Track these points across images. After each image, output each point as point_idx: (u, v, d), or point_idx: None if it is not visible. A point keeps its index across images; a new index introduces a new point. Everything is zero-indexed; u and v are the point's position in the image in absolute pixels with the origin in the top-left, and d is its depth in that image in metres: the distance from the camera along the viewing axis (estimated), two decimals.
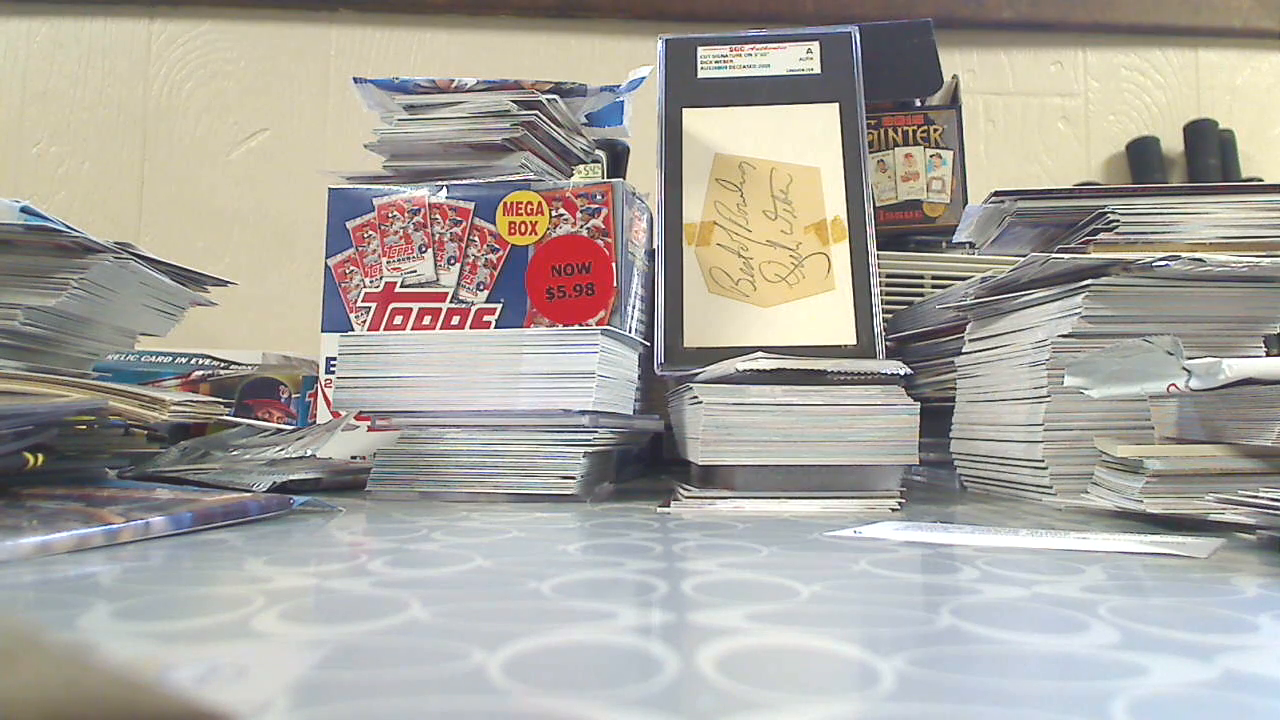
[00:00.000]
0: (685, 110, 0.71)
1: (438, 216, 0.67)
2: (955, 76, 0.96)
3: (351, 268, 0.69)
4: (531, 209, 0.66)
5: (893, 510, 0.50)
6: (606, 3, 1.35)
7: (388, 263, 0.68)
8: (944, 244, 0.92)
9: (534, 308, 0.66)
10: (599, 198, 0.66)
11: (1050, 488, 0.53)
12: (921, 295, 0.79)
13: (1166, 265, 0.50)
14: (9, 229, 0.51)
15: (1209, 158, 1.34)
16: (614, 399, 0.58)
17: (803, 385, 0.53)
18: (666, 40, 0.73)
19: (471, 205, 0.67)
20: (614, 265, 0.65)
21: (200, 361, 0.98)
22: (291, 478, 0.54)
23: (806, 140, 0.69)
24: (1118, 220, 0.56)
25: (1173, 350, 0.43)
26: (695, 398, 0.53)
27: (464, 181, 0.68)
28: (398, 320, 0.67)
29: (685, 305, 0.66)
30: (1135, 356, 0.45)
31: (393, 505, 0.51)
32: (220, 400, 0.63)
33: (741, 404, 0.52)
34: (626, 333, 0.62)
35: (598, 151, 0.88)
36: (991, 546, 0.37)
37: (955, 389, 0.66)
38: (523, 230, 0.66)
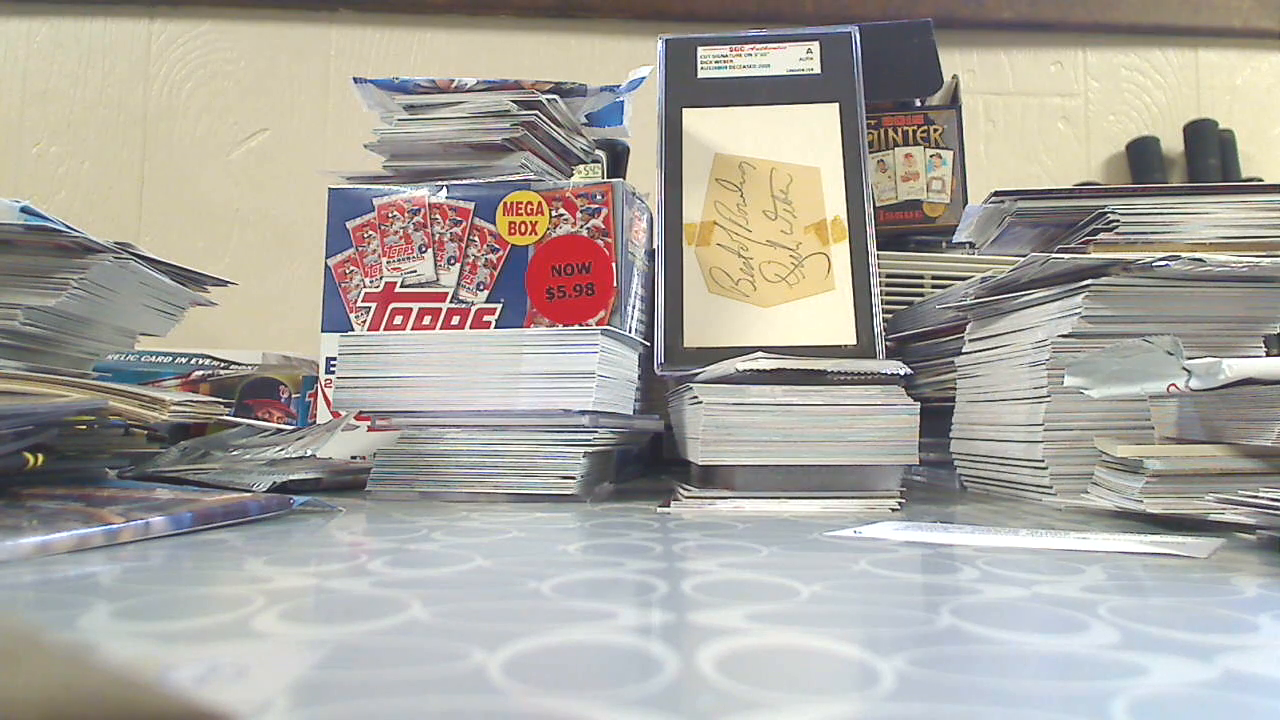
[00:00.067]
0: (685, 110, 0.71)
1: (438, 216, 0.67)
2: (955, 76, 0.96)
3: (351, 268, 0.69)
4: (531, 209, 0.66)
5: (893, 510, 0.50)
6: (606, 3, 1.35)
7: (388, 263, 0.68)
8: (944, 244, 0.92)
9: (534, 308, 0.66)
10: (599, 198, 0.66)
11: (1050, 488, 0.53)
12: (921, 295, 0.79)
13: (1166, 265, 0.50)
14: (9, 229, 0.51)
15: (1209, 158, 1.34)
16: (614, 399, 0.58)
17: (803, 385, 0.53)
18: (666, 40, 0.73)
19: (471, 205, 0.67)
20: (614, 265, 0.65)
21: (200, 361, 0.98)
22: (291, 478, 0.54)
23: (806, 140, 0.69)
24: (1118, 220, 0.56)
25: (1173, 350, 0.43)
26: (695, 398, 0.53)
27: (464, 181, 0.68)
28: (398, 320, 0.67)
29: (685, 305, 0.66)
30: (1135, 356, 0.45)
31: (393, 505, 0.51)
32: (220, 400, 0.63)
33: (741, 404, 0.52)
34: (626, 333, 0.62)
35: (598, 151, 0.88)
36: (991, 546, 0.37)
37: (955, 389, 0.66)
38: (523, 230, 0.66)
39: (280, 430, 0.71)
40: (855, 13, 1.30)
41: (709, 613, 0.24)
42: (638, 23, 1.36)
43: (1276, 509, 0.35)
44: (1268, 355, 0.54)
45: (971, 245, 0.68)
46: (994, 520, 0.46)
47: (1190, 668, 0.20)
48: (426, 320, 0.67)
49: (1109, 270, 0.52)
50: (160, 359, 0.96)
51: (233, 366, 0.97)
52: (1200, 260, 0.50)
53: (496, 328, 0.65)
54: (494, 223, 0.67)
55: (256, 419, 0.85)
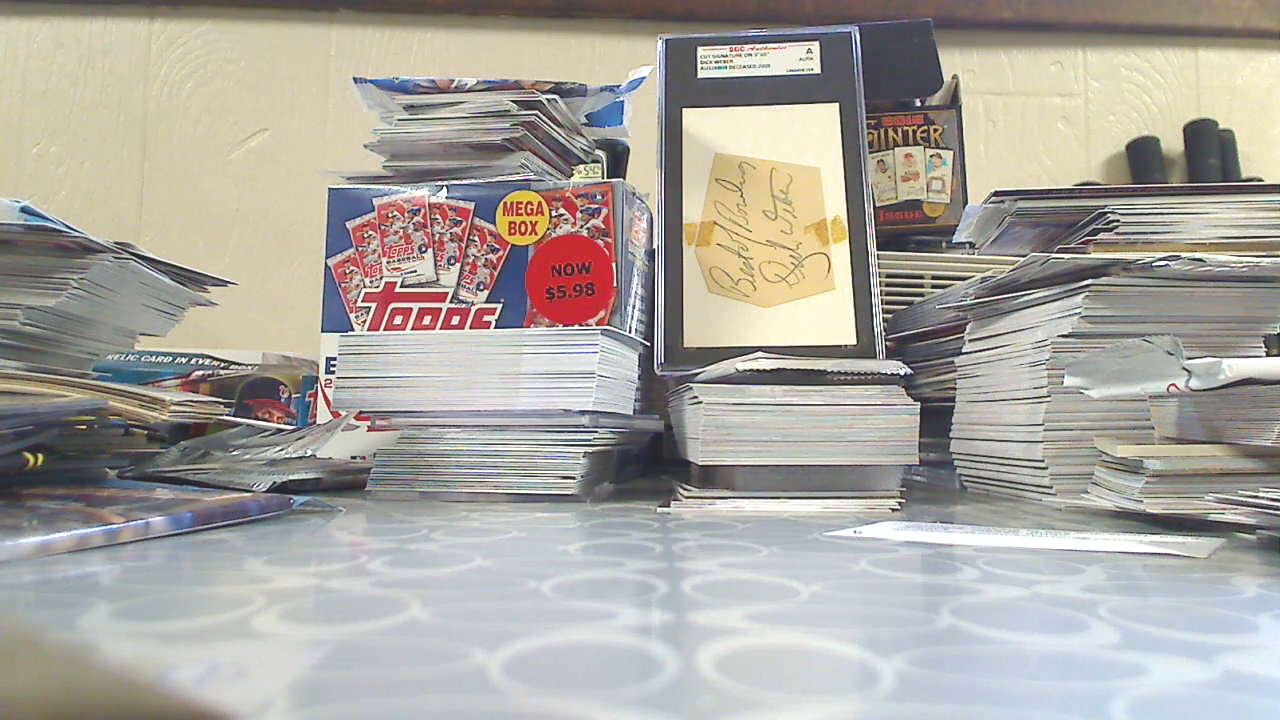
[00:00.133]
0: (685, 110, 0.71)
1: (438, 216, 0.67)
2: (955, 76, 0.96)
3: (351, 268, 0.69)
4: (531, 209, 0.66)
5: (893, 510, 0.50)
6: (606, 3, 1.35)
7: (388, 263, 0.68)
8: (944, 244, 0.92)
9: (534, 308, 0.66)
10: (599, 198, 0.66)
11: (1050, 488, 0.53)
12: (921, 295, 0.79)
13: (1166, 265, 0.50)
14: (9, 229, 0.51)
15: (1209, 158, 1.34)
16: (614, 399, 0.58)
17: (803, 385, 0.53)
18: (666, 40, 0.73)
19: (471, 205, 0.67)
20: (614, 265, 0.65)
21: (200, 361, 0.98)
22: (291, 478, 0.54)
23: (806, 140, 0.69)
24: (1118, 220, 0.56)
25: (1173, 350, 0.43)
26: (695, 398, 0.53)
27: (464, 181, 0.68)
28: (398, 320, 0.67)
29: (685, 305, 0.66)
30: (1135, 356, 0.45)
31: (393, 505, 0.51)
32: (220, 400, 0.63)
33: (741, 404, 0.52)
34: (626, 333, 0.62)
35: (598, 151, 0.88)
36: (991, 546, 0.37)
37: (955, 389, 0.66)
38: (523, 230, 0.66)
39: (280, 430, 0.71)
40: (855, 13, 1.30)
41: (709, 613, 0.24)
42: (638, 23, 1.36)
43: (1276, 509, 0.35)
44: (1268, 355, 0.54)
45: (971, 245, 0.68)
46: (994, 520, 0.46)
47: (1190, 668, 0.20)
48: (426, 320, 0.67)
49: (1109, 270, 0.52)
50: (160, 359, 0.96)
51: (233, 366, 0.97)
52: (1200, 260, 0.50)
53: (496, 328, 0.65)
54: (494, 223, 0.67)
55: (256, 419, 0.85)
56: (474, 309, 0.66)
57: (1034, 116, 1.39)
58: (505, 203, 0.67)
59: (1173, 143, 1.38)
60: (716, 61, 0.72)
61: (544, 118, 0.69)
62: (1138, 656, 0.20)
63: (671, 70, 0.72)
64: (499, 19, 1.36)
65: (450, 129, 0.68)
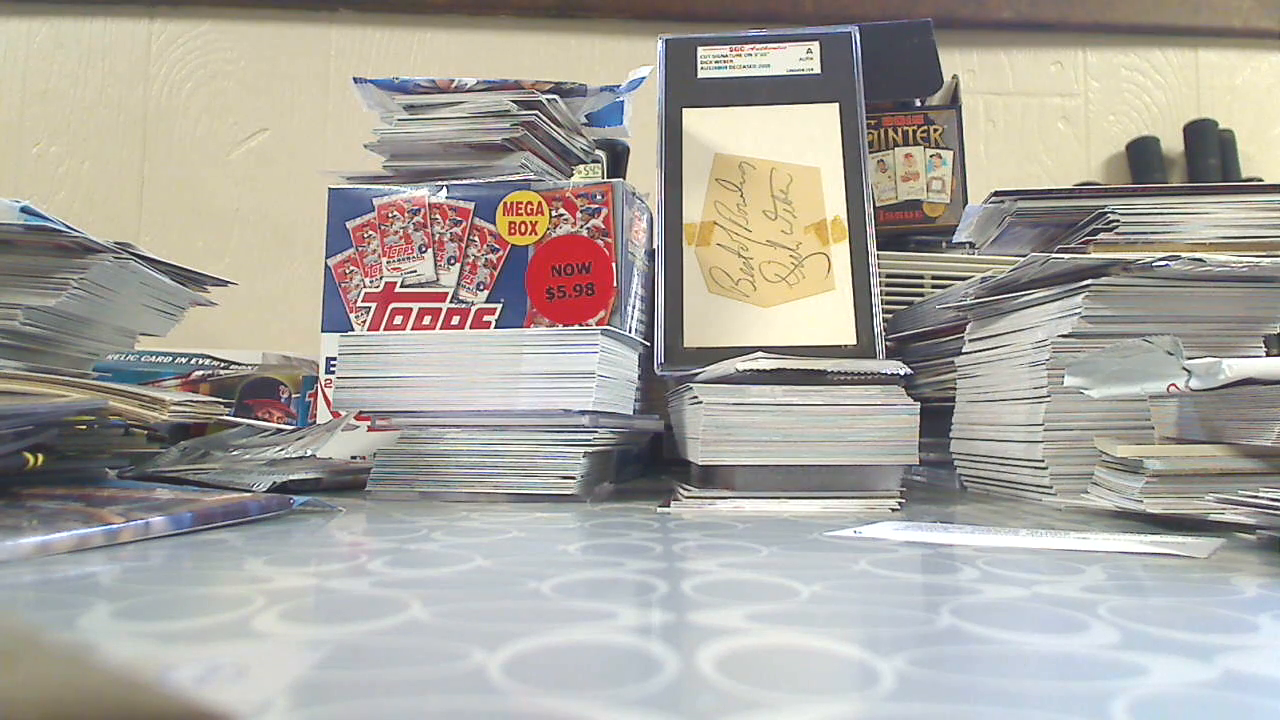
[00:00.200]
0: (685, 110, 0.71)
1: (438, 216, 0.67)
2: (955, 76, 0.96)
3: (351, 268, 0.69)
4: (531, 209, 0.66)
5: (893, 510, 0.50)
6: (606, 3, 1.35)
7: (388, 263, 0.68)
8: (944, 244, 0.92)
9: (534, 308, 0.66)
10: (599, 198, 0.66)
11: (1050, 488, 0.53)
12: (921, 295, 0.79)
13: (1166, 265, 0.50)
14: (9, 229, 0.51)
15: (1209, 158, 1.34)
16: (614, 399, 0.58)
17: (803, 385, 0.53)
18: (666, 40, 0.73)
19: (471, 205, 0.67)
20: (614, 265, 0.65)
21: (200, 361, 0.98)
22: (291, 478, 0.54)
23: (806, 140, 0.69)
24: (1118, 220, 0.56)
25: (1173, 350, 0.43)
26: (695, 398, 0.53)
27: (464, 181, 0.68)
28: (398, 320, 0.67)
29: (685, 305, 0.66)
30: (1135, 356, 0.45)
31: (393, 505, 0.51)
32: (220, 400, 0.63)
33: (741, 404, 0.52)
34: (626, 333, 0.62)
35: (598, 151, 0.88)
36: (991, 546, 0.37)
37: (955, 389, 0.66)
38: (523, 230, 0.66)
39: (280, 430, 0.71)
40: (855, 13, 1.30)
41: (709, 613, 0.24)
42: (638, 23, 1.36)
43: (1276, 509, 0.35)
44: (1268, 355, 0.54)
45: (971, 245, 0.68)
46: (994, 520, 0.46)
47: (1190, 668, 0.20)
48: (426, 320, 0.67)
49: (1109, 270, 0.52)
50: (160, 359, 0.96)
51: (233, 366, 0.97)
52: (1200, 260, 0.50)
53: (496, 328, 0.65)
54: (494, 223, 0.67)
55: (256, 419, 0.85)
56: (474, 309, 0.66)
57: (1034, 116, 1.39)
58: (505, 203, 0.67)
59: (1173, 143, 1.38)
60: (716, 61, 0.72)
61: (544, 118, 0.69)
62: (1138, 656, 0.20)
63: (671, 70, 0.72)
64: (499, 19, 1.36)
65: (450, 129, 0.68)
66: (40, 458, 0.43)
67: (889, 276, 0.79)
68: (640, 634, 0.22)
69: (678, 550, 0.35)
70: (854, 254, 0.66)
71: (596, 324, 0.64)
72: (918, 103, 0.94)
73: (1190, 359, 0.42)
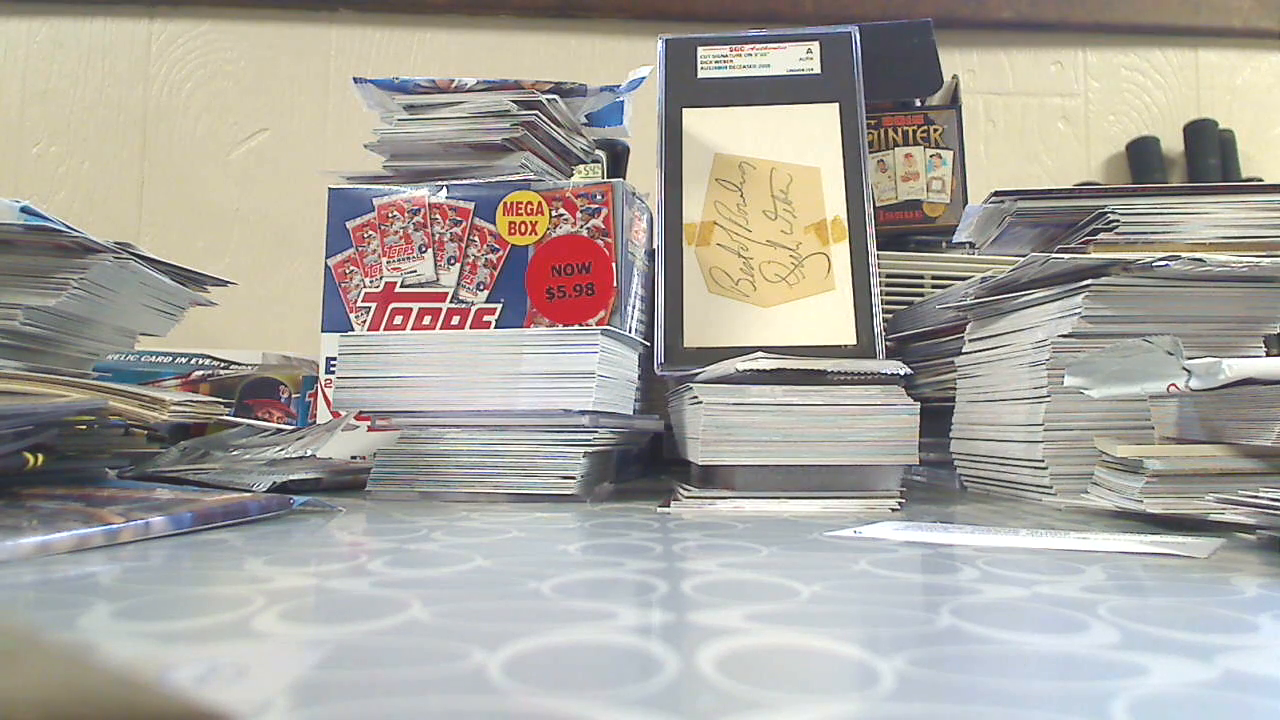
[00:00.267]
0: (685, 110, 0.71)
1: (438, 216, 0.67)
2: (955, 76, 0.96)
3: (351, 268, 0.69)
4: (531, 209, 0.66)
5: (893, 510, 0.50)
6: (606, 3, 1.35)
7: (388, 263, 0.68)
8: (944, 244, 0.92)
9: (534, 308, 0.66)
10: (599, 198, 0.66)
11: (1050, 488, 0.53)
12: (921, 295, 0.79)
13: (1166, 265, 0.50)
14: (9, 229, 0.51)
15: (1209, 158, 1.34)
16: (614, 399, 0.58)
17: (803, 385, 0.53)
18: (666, 40, 0.73)
19: (471, 205, 0.67)
20: (614, 265, 0.65)
21: (200, 361, 0.98)
22: (291, 478, 0.54)
23: (806, 140, 0.69)
24: (1118, 220, 0.56)
25: (1173, 350, 0.43)
26: (695, 398, 0.53)
27: (464, 181, 0.68)
28: (398, 320, 0.67)
29: (685, 305, 0.66)
30: (1135, 356, 0.45)
31: (393, 505, 0.51)
32: (220, 400, 0.63)
33: (741, 404, 0.52)
34: (626, 333, 0.62)
35: (598, 151, 0.88)
36: (991, 546, 0.37)
37: (955, 389, 0.66)
38: (523, 230, 0.66)
39: (280, 430, 0.71)
40: (855, 13, 1.30)
41: (709, 613, 0.24)
42: (638, 23, 1.36)
43: (1276, 509, 0.35)
44: (1268, 355, 0.54)
45: (971, 245, 0.68)
46: (994, 520, 0.46)
47: (1190, 668, 0.20)
48: (426, 320, 0.67)
49: (1109, 270, 0.52)
50: (160, 359, 0.96)
51: (233, 366, 0.97)
52: (1200, 260, 0.50)
53: (496, 328, 0.65)
54: (494, 223, 0.67)
55: (256, 419, 0.85)
56: (474, 309, 0.66)
57: (1034, 116, 1.39)
58: (505, 203, 0.67)
59: (1173, 143, 1.38)
60: (716, 61, 0.72)
61: (544, 118, 0.69)
62: (1138, 656, 0.20)
63: (671, 70, 0.72)
64: (499, 19, 1.36)
65: (450, 129, 0.68)
66: (40, 458, 0.43)
67: (889, 276, 0.79)
68: (640, 634, 0.22)
69: (678, 550, 0.35)
70: (854, 254, 0.66)
71: (596, 324, 0.64)
72: (918, 103, 0.94)
73: (1190, 359, 0.42)
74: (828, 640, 0.22)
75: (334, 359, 0.62)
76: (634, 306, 0.68)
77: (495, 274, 0.66)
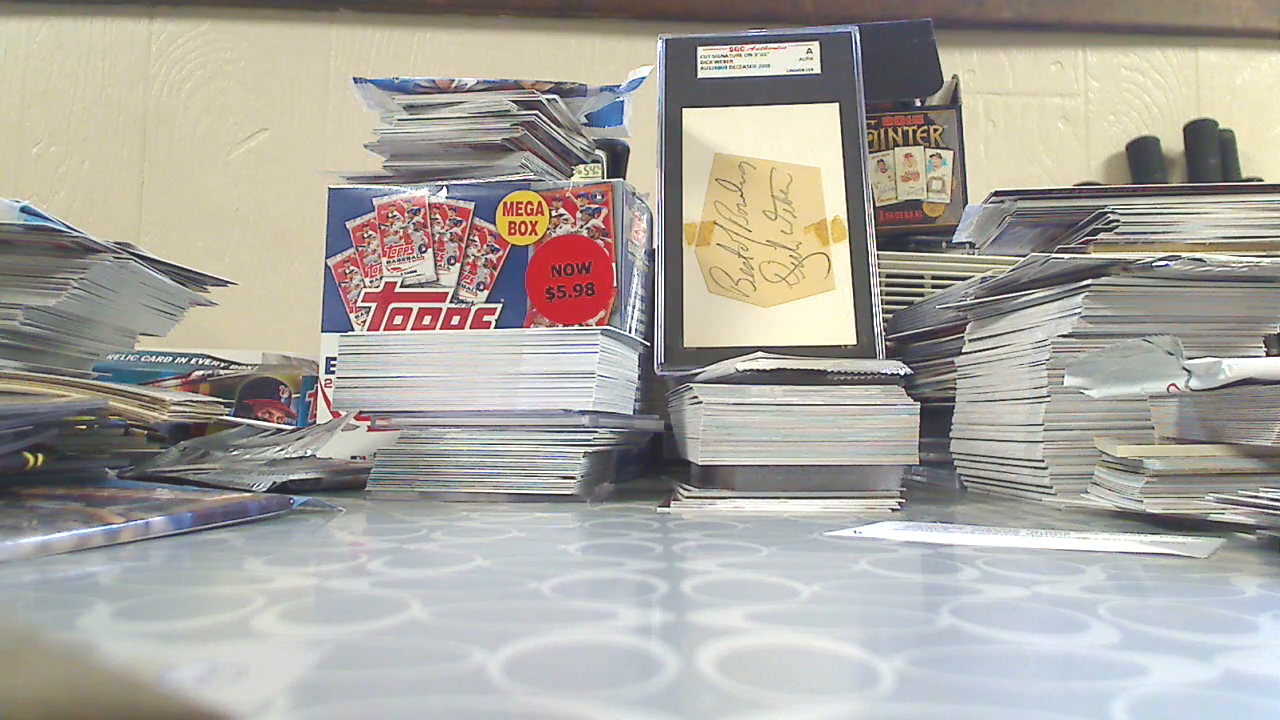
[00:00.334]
0: (685, 110, 0.71)
1: (438, 216, 0.67)
2: (955, 76, 0.96)
3: (351, 268, 0.69)
4: (531, 209, 0.66)
5: (893, 510, 0.50)
6: (606, 3, 1.35)
7: (388, 263, 0.68)
8: (944, 244, 0.92)
9: (534, 308, 0.66)
10: (599, 198, 0.66)
11: (1050, 488, 0.53)
12: (921, 295, 0.79)
13: (1166, 265, 0.50)
14: (9, 229, 0.51)
15: (1209, 158, 1.34)
16: (614, 399, 0.58)
17: (803, 385, 0.53)
18: (666, 40, 0.73)
19: (471, 205, 0.67)
20: (614, 265, 0.65)
21: (200, 361, 0.98)
22: (291, 478, 0.54)
23: (806, 140, 0.69)
24: (1118, 220, 0.56)
25: (1173, 350, 0.43)
26: (695, 398, 0.53)
27: (464, 181, 0.68)
28: (398, 320, 0.67)
29: (685, 305, 0.66)
30: (1135, 356, 0.45)
31: (393, 505, 0.51)
32: (220, 400, 0.63)
33: (741, 404, 0.52)
34: (626, 333, 0.62)
35: (598, 151, 0.88)
36: (991, 546, 0.37)
37: (955, 389, 0.66)
38: (523, 230, 0.66)
39: (280, 430, 0.71)
40: (855, 13, 1.30)
41: (709, 613, 0.24)
42: (638, 23, 1.36)
43: (1276, 509, 0.35)
44: (1268, 355, 0.54)
45: (971, 245, 0.68)
46: (994, 520, 0.46)
47: (1190, 668, 0.20)
48: (426, 320, 0.67)
49: (1109, 270, 0.52)
50: (160, 359, 0.96)
51: (233, 366, 0.97)
52: (1200, 260, 0.50)
53: (496, 328, 0.65)
54: (494, 223, 0.67)
55: (256, 419, 0.85)
56: (474, 309, 0.66)
57: (1034, 116, 1.39)
58: (505, 203, 0.67)
59: (1173, 143, 1.38)
60: (716, 61, 0.72)
61: (544, 118, 0.69)
62: (1138, 656, 0.20)
63: (671, 70, 0.72)
64: (499, 19, 1.36)
65: (450, 129, 0.68)
66: (40, 458, 0.43)
67: (889, 276, 0.79)
68: (640, 634, 0.22)
69: (678, 550, 0.35)
70: (854, 254, 0.66)
71: (596, 324, 0.64)
72: (918, 103, 0.94)
73: (1190, 359, 0.42)
74: (828, 640, 0.22)
75: (334, 359, 0.62)
76: (634, 306, 0.68)
77: (495, 274, 0.66)
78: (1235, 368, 0.40)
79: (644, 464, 0.79)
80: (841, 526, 0.43)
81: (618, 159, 0.93)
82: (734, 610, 0.24)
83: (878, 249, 0.67)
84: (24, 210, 0.51)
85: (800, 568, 0.31)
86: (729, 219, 0.68)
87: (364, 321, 0.67)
